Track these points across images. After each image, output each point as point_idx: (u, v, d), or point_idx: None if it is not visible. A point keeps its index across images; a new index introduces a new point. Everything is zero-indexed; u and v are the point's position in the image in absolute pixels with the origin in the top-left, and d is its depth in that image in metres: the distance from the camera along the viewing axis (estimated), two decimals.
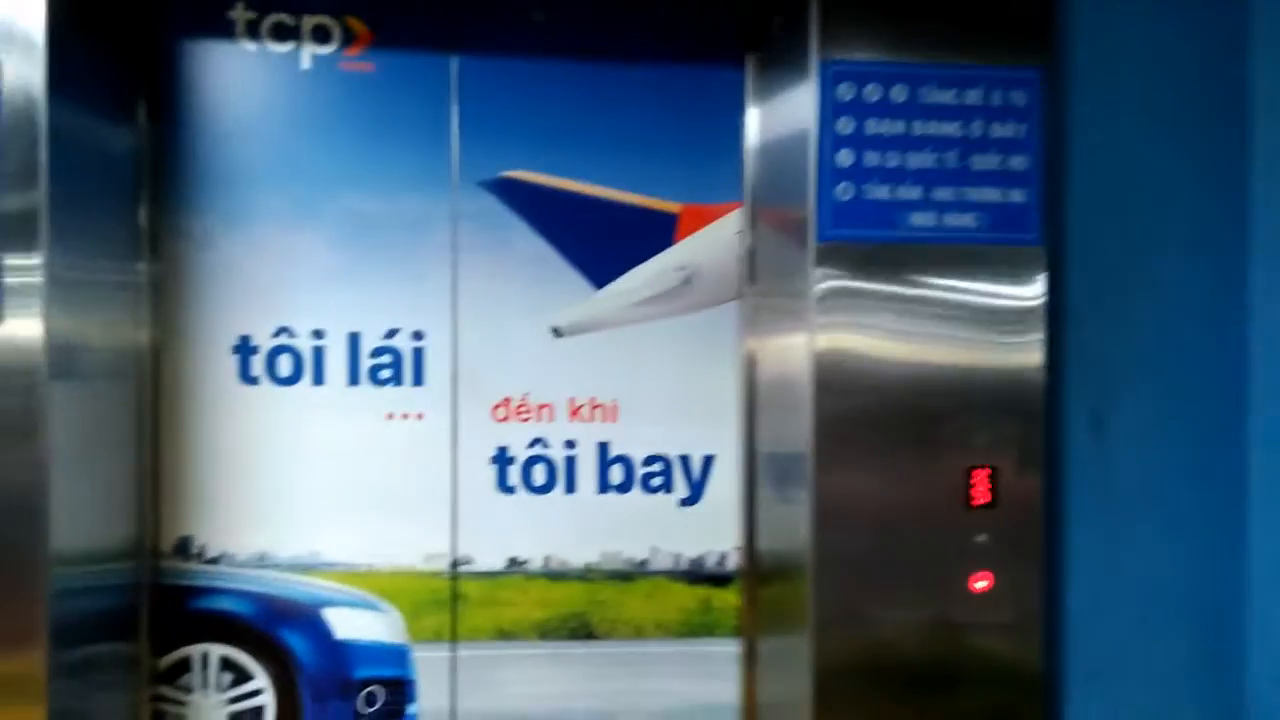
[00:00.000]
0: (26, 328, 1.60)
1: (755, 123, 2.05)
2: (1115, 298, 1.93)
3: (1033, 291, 1.81)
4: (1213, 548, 2.00)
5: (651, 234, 2.07)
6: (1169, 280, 1.98)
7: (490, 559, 2.06)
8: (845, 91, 1.75)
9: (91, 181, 1.78)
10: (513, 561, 2.07)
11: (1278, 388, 1.96)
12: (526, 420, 2.06)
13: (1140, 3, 1.95)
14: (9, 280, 1.58)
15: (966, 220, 1.79)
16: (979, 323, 1.80)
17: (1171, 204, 1.98)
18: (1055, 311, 1.88)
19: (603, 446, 2.08)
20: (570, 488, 2.07)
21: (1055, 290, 1.87)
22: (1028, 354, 1.80)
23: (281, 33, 1.97)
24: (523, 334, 2.05)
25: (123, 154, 1.91)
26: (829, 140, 1.74)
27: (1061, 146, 1.92)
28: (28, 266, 1.59)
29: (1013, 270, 1.80)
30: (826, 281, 1.76)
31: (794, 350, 1.83)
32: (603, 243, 2.05)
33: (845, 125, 1.75)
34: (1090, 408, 1.93)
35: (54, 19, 1.60)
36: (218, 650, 2.00)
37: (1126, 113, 1.92)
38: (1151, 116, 1.96)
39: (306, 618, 2.02)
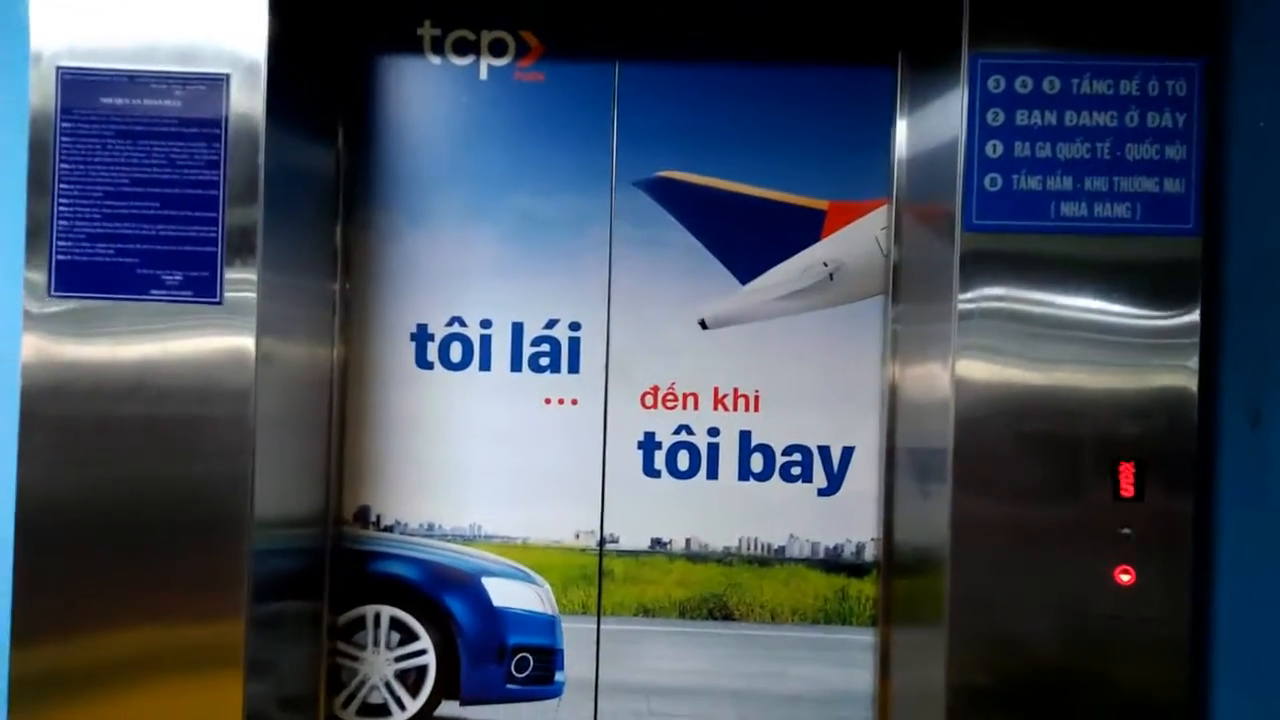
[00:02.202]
0: (241, 331, 1.70)
1: (904, 119, 1.99)
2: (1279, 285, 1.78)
3: (1189, 281, 1.69)
4: None
5: (799, 230, 2.04)
6: None
7: (635, 539, 2.07)
8: (995, 84, 1.68)
9: (298, 195, 1.89)
10: (656, 542, 2.07)
11: None
12: (673, 408, 2.06)
13: None
14: (230, 293, 1.70)
15: (1120, 210, 1.68)
16: (1131, 313, 1.69)
17: None
18: (1213, 301, 1.75)
19: (744, 435, 2.06)
20: (712, 474, 2.06)
21: (1213, 280, 1.75)
22: (1182, 345, 1.69)
23: (462, 47, 2.05)
24: (671, 326, 2.05)
25: (322, 169, 2.01)
26: (977, 132, 1.69)
27: (1223, 137, 1.78)
28: (246, 279, 1.70)
29: (1168, 260, 1.69)
30: (970, 272, 1.69)
31: (936, 343, 1.76)
32: (750, 239, 2.04)
33: (995, 117, 1.68)
34: (1248, 399, 1.77)
35: (273, 48, 1.70)
36: (388, 611, 2.07)
37: None
38: None
39: (467, 585, 2.07)
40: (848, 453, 2.06)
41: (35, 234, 1.70)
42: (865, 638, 2.06)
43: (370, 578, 2.07)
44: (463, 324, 2.07)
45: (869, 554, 2.06)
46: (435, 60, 2.05)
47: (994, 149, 1.69)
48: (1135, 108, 1.68)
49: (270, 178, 1.70)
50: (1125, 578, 1.66)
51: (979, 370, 1.69)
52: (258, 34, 1.69)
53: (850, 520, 2.06)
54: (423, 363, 2.07)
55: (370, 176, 2.06)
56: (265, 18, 1.69)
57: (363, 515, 2.08)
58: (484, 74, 2.05)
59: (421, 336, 2.07)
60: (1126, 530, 1.66)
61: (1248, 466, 1.77)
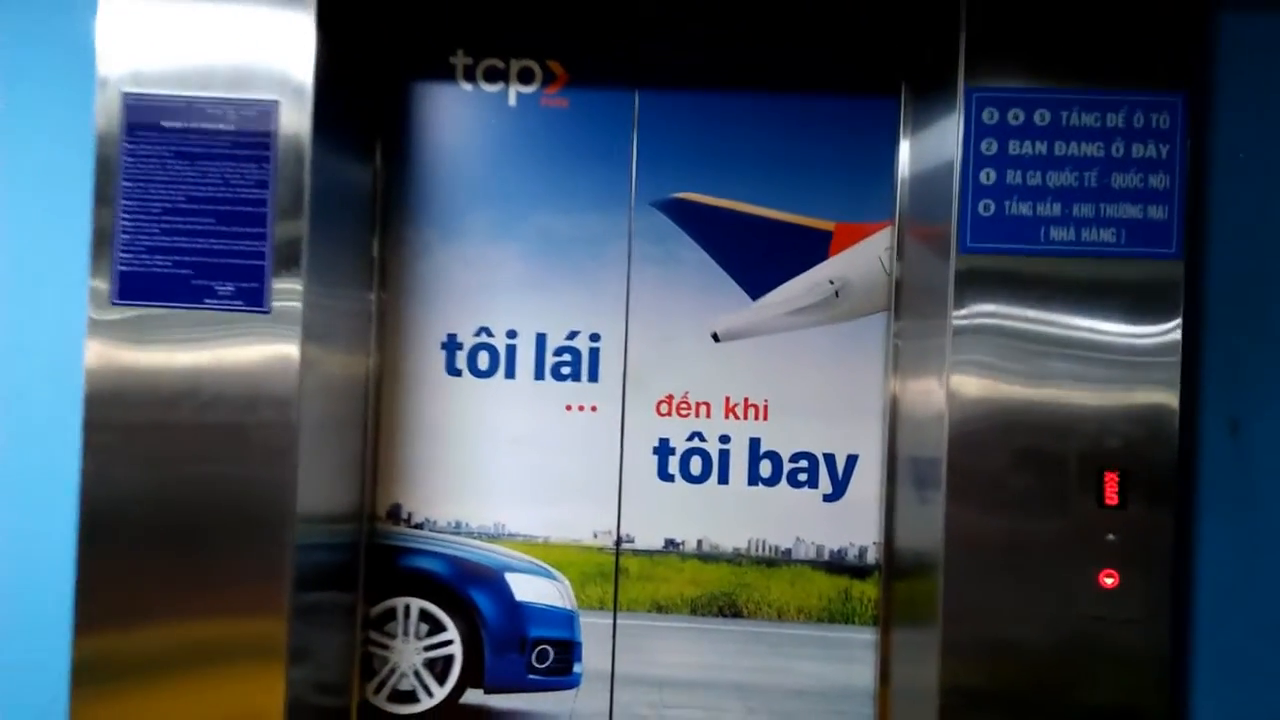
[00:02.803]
0: (287, 339, 1.76)
1: (906, 146, 2.04)
2: (1258, 308, 1.83)
3: (1171, 301, 1.74)
4: None
5: (806, 249, 2.09)
6: None
7: (649, 539, 2.12)
8: (989, 116, 1.75)
9: (339, 212, 1.94)
10: (669, 542, 2.12)
11: None
12: (686, 416, 2.12)
13: None
14: (279, 291, 1.76)
15: (1106, 235, 1.74)
16: (1116, 330, 1.75)
17: None
18: (1194, 319, 1.81)
19: (754, 443, 2.11)
20: (723, 479, 2.11)
21: (1194, 299, 1.80)
22: (1164, 360, 1.74)
23: (493, 75, 2.12)
24: (685, 338, 2.10)
25: (361, 187, 2.07)
26: (972, 160, 1.75)
27: (1206, 164, 1.84)
28: (292, 289, 1.76)
29: (1151, 282, 1.75)
30: (965, 291, 1.75)
31: (933, 357, 1.83)
32: (761, 257, 2.09)
33: (988, 147, 1.75)
34: (1228, 414, 1.83)
35: (319, 74, 1.77)
36: (418, 603, 2.12)
37: (1275, 128, 1.84)
38: None
39: (492, 580, 2.12)
40: (852, 460, 2.10)
41: (99, 246, 1.78)
42: (867, 637, 2.10)
43: (401, 572, 2.13)
44: (490, 334, 2.13)
45: (871, 557, 2.10)
46: (467, 87, 2.13)
47: (987, 176, 1.75)
48: (1121, 139, 1.74)
49: (315, 195, 1.77)
50: (1109, 581, 1.72)
51: (971, 383, 1.75)
52: (305, 61, 1.76)
53: (854, 525, 2.10)
54: (452, 370, 2.13)
55: (405, 194, 2.13)
56: (313, 47, 1.76)
57: (395, 513, 2.13)
58: (513, 100, 2.12)
59: (451, 346, 2.13)
60: (1111, 536, 1.72)
61: (1227, 475, 1.83)
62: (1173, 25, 1.75)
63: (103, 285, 1.78)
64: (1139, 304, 1.74)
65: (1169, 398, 1.73)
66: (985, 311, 1.75)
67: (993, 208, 1.75)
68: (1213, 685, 1.83)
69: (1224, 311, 1.84)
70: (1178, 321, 1.73)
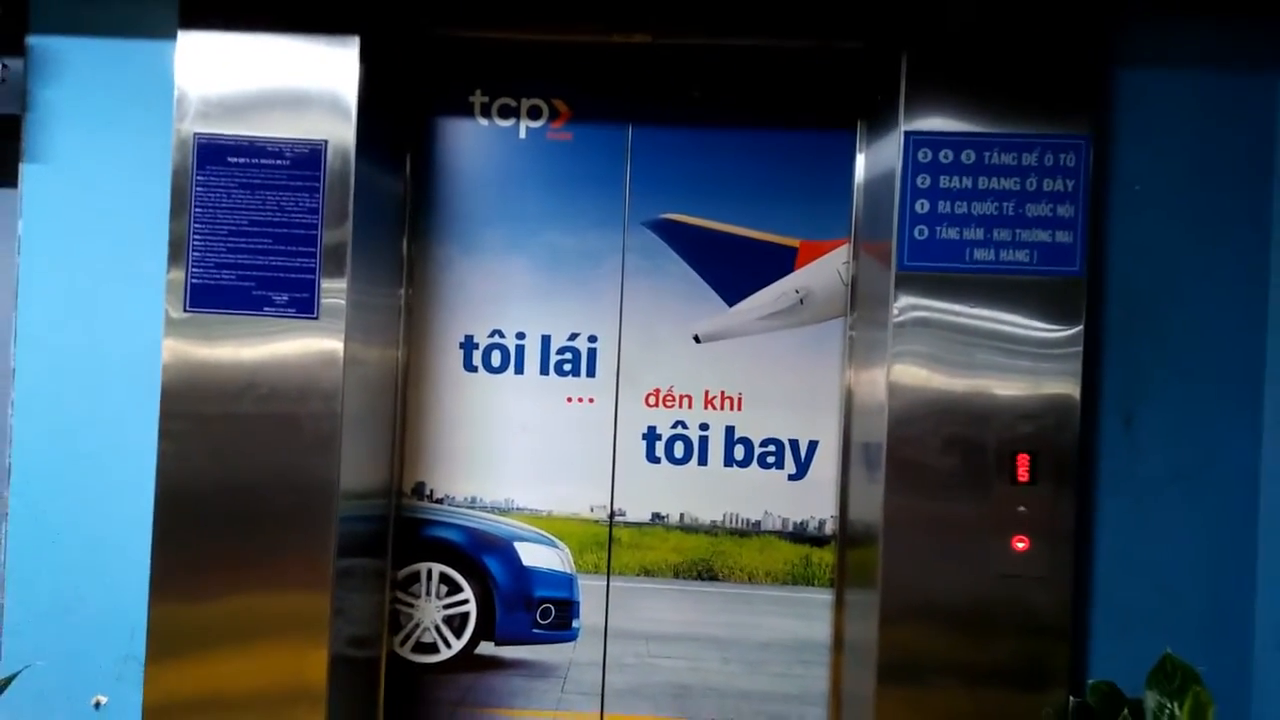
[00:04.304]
0: (333, 334, 1.88)
1: (861, 173, 2.18)
2: (1151, 319, 1.99)
3: (1075, 311, 1.90)
4: (1227, 524, 2.02)
5: (776, 263, 2.22)
6: (1196, 300, 2.04)
7: (638, 513, 2.25)
8: (923, 155, 1.92)
9: (377, 221, 2.07)
10: (655, 516, 2.25)
11: None
12: (671, 407, 2.24)
13: (1179, 83, 2.04)
14: (325, 300, 1.88)
15: (1020, 256, 1.91)
16: (1029, 335, 1.90)
17: (1200, 239, 2.04)
18: (1095, 328, 1.96)
19: (729, 430, 2.24)
20: (703, 461, 2.24)
21: (1095, 310, 1.97)
22: (1068, 362, 1.89)
23: (506, 111, 2.26)
24: (671, 340, 2.24)
25: (395, 200, 2.21)
26: (909, 192, 1.92)
27: (1106, 196, 2.01)
28: (337, 289, 1.90)
29: (1058, 295, 1.91)
30: (903, 301, 1.92)
31: (878, 349, 1.98)
32: (736, 270, 2.22)
33: (923, 181, 1.92)
34: (1124, 408, 1.99)
35: (362, 97, 1.91)
36: (438, 568, 2.26)
37: (1164, 165, 2.00)
38: (1185, 168, 2.04)
39: (502, 548, 2.25)
40: (813, 445, 2.24)
41: (174, 259, 1.94)
42: (824, 597, 2.23)
43: (424, 540, 2.26)
44: (501, 335, 2.26)
45: (829, 528, 2.24)
46: (484, 122, 2.26)
47: (922, 206, 1.92)
48: (1034, 175, 1.91)
49: (357, 205, 1.91)
50: (1021, 545, 1.89)
51: (908, 372, 1.91)
52: (350, 87, 1.92)
53: (814, 500, 2.23)
54: (469, 366, 2.26)
55: (430, 214, 2.26)
56: (356, 75, 1.92)
57: (419, 490, 2.26)
58: (523, 134, 2.26)
59: (468, 345, 2.26)
60: (1022, 508, 1.89)
61: (1121, 459, 2.01)
62: (1078, 78, 1.92)
63: (177, 294, 1.94)
64: (1048, 312, 1.91)
65: (1072, 389, 1.90)
66: (919, 305, 1.91)
67: (926, 232, 1.92)
68: (1108, 633, 2.00)
69: (1121, 321, 2.01)
70: (1080, 327, 1.91)
